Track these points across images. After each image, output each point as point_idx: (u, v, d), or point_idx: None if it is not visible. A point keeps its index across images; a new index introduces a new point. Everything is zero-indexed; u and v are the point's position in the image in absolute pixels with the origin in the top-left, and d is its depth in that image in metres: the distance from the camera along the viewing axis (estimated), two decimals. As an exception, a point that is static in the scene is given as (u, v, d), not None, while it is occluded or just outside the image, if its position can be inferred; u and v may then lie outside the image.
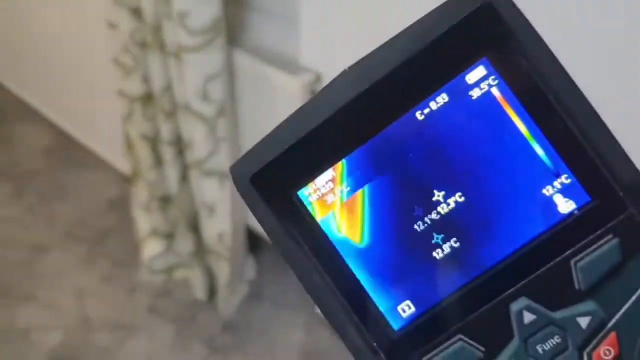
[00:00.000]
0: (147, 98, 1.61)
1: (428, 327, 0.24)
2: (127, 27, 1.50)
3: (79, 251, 2.07)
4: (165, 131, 1.60)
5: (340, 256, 0.25)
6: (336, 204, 0.26)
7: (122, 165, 2.28)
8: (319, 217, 0.26)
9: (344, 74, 0.25)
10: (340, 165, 0.25)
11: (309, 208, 0.26)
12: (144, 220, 1.88)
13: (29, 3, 2.22)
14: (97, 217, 2.18)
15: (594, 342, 0.23)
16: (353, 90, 0.24)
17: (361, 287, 0.25)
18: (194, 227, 1.77)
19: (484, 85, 0.24)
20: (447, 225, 0.25)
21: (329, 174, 0.25)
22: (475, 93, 0.24)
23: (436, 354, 0.24)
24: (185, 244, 1.81)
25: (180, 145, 1.61)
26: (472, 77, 0.24)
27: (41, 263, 2.06)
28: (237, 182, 0.27)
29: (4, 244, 2.13)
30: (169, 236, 1.87)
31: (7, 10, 2.39)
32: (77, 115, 2.39)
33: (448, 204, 0.25)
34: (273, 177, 0.26)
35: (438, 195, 0.25)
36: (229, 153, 1.53)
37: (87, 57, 2.10)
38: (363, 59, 0.25)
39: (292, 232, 0.25)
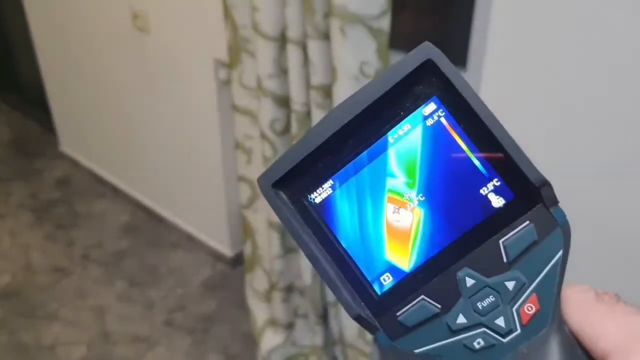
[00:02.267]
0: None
1: (401, 292, 0.33)
2: (268, 115, 1.43)
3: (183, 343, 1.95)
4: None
5: (339, 241, 0.34)
6: (333, 205, 0.34)
7: (216, 245, 2.20)
8: (323, 213, 0.34)
9: (332, 110, 0.33)
10: (332, 180, 0.34)
11: (315, 207, 0.34)
12: (261, 311, 1.77)
13: (130, 93, 2.17)
14: (195, 302, 2.07)
15: (520, 300, 0.31)
16: (340, 121, 0.32)
17: (354, 263, 0.34)
18: (323, 318, 1.66)
19: (435, 116, 0.32)
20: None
21: (327, 184, 0.34)
22: (429, 122, 0.32)
23: (406, 310, 0.33)
24: (310, 335, 1.69)
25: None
26: (426, 110, 0.32)
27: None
28: (262, 187, 0.34)
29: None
30: (289, 326, 1.75)
31: (104, 97, 2.34)
32: (170, 195, 2.31)
33: (413, 202, 0.33)
34: (288, 184, 0.34)
35: (407, 195, 0.33)
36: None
37: (181, 142, 2.03)
38: (345, 100, 0.32)
39: (302, 224, 0.34)
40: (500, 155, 0.31)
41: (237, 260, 2.19)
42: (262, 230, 1.70)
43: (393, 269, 0.34)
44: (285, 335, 1.75)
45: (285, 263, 1.64)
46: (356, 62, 1.21)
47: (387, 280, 0.34)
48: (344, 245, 0.34)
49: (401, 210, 0.33)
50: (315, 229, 0.34)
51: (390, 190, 0.33)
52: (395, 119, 0.33)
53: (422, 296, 0.33)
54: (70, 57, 2.38)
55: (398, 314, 0.33)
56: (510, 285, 0.31)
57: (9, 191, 2.59)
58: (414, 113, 0.32)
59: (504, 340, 0.31)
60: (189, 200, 2.21)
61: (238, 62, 1.50)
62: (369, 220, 0.34)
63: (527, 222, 0.31)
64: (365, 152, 0.33)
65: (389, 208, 0.33)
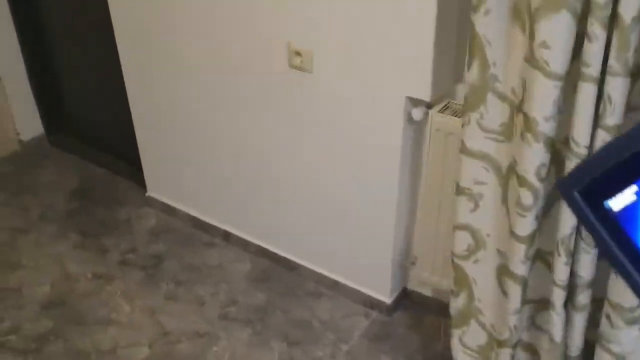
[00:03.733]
0: (532, 238, 1.36)
1: None
2: (535, 160, 1.27)
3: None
4: (562, 272, 1.35)
5: (635, 244, 0.37)
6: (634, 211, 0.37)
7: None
8: (622, 219, 0.37)
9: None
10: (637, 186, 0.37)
11: (613, 214, 0.37)
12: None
13: (271, 138, 1.96)
14: (365, 356, 1.89)
15: None
16: None
17: None
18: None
19: None
20: None
21: (629, 190, 0.37)
22: None
23: None
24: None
25: (573, 282, 1.37)
26: None
27: None
28: (565, 193, 0.38)
29: None
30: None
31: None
32: (307, 242, 2.11)
33: None
34: (590, 191, 0.37)
35: None
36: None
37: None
38: None
39: (602, 228, 0.37)
40: None
41: (395, 308, 2.02)
42: (484, 282, 1.54)
43: None
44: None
45: (519, 317, 1.49)
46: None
47: None
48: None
49: None
50: (614, 235, 0.37)
51: None
52: None
53: None
54: (168, 98, 2.16)
55: None
56: None
57: (104, 247, 2.33)
58: None
59: None
60: (335, 247, 2.02)
61: (481, 103, 1.34)
62: None
63: None
64: None
65: None
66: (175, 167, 2.36)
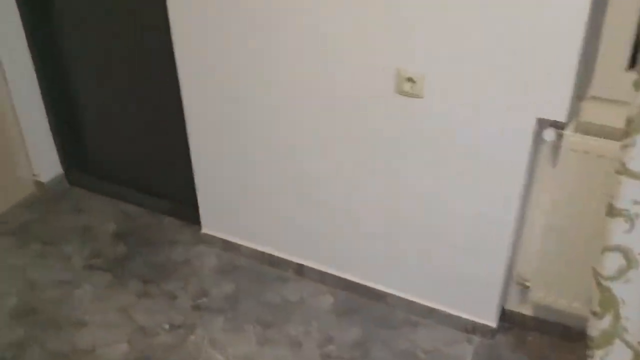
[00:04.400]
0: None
1: None
2: None
3: None
4: None
5: None
6: None
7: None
8: None
9: None
10: None
11: None
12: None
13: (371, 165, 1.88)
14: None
15: None
16: None
17: None
18: None
19: None
20: None
21: None
22: None
23: None
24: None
25: None
26: None
27: None
28: None
29: None
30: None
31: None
32: (396, 270, 2.04)
33: None
34: None
35: None
36: None
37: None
38: None
39: None
40: None
41: (498, 330, 1.98)
42: (634, 300, 1.53)
43: None
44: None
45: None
46: None
47: None
48: None
49: None
50: None
51: None
52: None
53: None
54: (236, 133, 2.05)
55: None
56: None
57: (171, 293, 2.17)
58: None
59: None
60: (431, 272, 1.96)
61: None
62: None
63: None
64: None
65: None
66: (236, 202, 2.24)
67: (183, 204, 2.48)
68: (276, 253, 2.27)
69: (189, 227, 2.47)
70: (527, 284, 1.87)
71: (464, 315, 2.00)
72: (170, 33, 1.98)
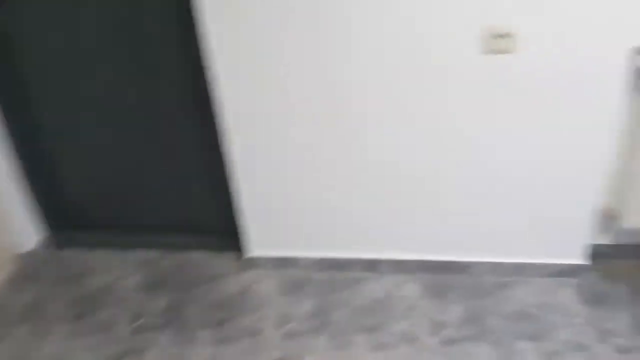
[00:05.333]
0: None
1: None
2: None
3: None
4: None
5: None
6: None
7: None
8: None
9: None
10: None
11: None
12: None
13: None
14: None
15: None
16: None
17: None
18: None
19: None
20: None
21: None
22: None
23: None
24: None
25: None
26: None
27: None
28: None
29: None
30: None
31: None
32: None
33: None
34: None
35: None
36: None
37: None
38: None
39: None
40: None
41: (593, 267, 2.01)
42: None
43: None
44: None
45: None
46: None
47: None
48: None
49: None
50: None
51: None
52: None
53: None
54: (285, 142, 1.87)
55: None
56: None
57: (250, 329, 1.95)
58: None
59: None
60: (513, 227, 1.94)
61: None
62: None
63: None
64: None
65: None
66: (283, 214, 2.05)
67: (209, 233, 2.24)
68: (338, 255, 2.12)
69: (226, 256, 2.23)
70: (616, 213, 1.92)
71: (554, 261, 2.01)
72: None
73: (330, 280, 2.11)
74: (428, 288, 2.04)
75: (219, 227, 2.21)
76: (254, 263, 2.17)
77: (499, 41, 1.61)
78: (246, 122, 1.85)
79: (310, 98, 1.78)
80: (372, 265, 2.12)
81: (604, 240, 2.03)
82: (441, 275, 2.08)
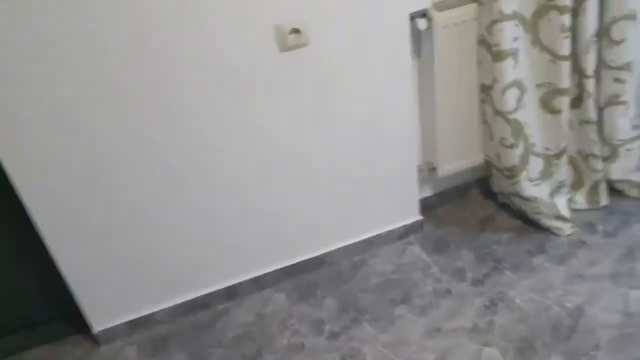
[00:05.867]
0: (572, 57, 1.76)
1: None
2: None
3: None
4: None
5: None
6: None
7: None
8: None
9: None
10: None
11: None
12: None
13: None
14: None
15: None
16: None
17: None
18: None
19: None
20: None
21: None
22: None
23: None
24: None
25: None
26: None
27: None
28: None
29: None
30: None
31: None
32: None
33: None
34: None
35: None
36: None
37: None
38: None
39: None
40: None
41: (425, 220, 2.17)
42: (533, 119, 1.88)
43: None
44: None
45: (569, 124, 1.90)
46: None
47: None
48: None
49: None
50: None
51: None
52: None
53: None
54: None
55: None
56: None
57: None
58: None
59: None
60: (352, 206, 2.01)
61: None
62: None
63: None
64: None
65: None
66: (119, 273, 1.85)
67: (44, 323, 1.94)
68: (193, 295, 1.98)
69: (72, 340, 1.95)
70: (433, 165, 2.09)
71: (396, 226, 2.13)
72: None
73: (194, 323, 1.96)
74: (294, 293, 2.02)
75: (53, 312, 1.92)
76: (107, 336, 1.93)
77: (292, 37, 1.63)
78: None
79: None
80: (231, 293, 2.02)
81: (428, 192, 2.21)
82: (302, 276, 2.07)
